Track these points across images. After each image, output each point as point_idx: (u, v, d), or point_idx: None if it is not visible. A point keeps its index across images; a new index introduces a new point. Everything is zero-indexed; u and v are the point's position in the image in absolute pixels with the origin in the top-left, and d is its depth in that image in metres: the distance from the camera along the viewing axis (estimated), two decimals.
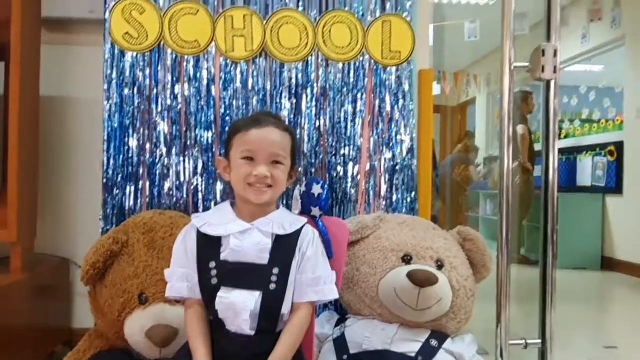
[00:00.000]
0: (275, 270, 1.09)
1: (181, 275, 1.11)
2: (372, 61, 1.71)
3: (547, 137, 1.56)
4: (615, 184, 4.77)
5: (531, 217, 4.71)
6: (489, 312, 1.50)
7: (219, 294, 1.07)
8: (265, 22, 1.66)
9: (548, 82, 1.52)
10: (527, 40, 1.37)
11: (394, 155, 1.71)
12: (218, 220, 1.13)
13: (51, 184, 2.07)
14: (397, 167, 1.71)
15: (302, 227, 1.15)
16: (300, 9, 1.68)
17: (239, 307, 1.05)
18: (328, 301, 1.27)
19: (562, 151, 5.34)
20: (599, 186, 5.00)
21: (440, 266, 1.41)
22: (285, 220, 1.14)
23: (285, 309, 1.10)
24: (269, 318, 1.08)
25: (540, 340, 1.49)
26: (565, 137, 5.71)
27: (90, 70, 1.91)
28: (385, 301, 1.38)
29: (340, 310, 1.53)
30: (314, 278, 1.12)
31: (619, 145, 4.74)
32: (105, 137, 1.61)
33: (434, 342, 1.37)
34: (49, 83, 1.97)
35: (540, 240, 1.54)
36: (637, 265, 4.35)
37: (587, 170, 5.23)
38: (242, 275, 1.08)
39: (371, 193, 1.69)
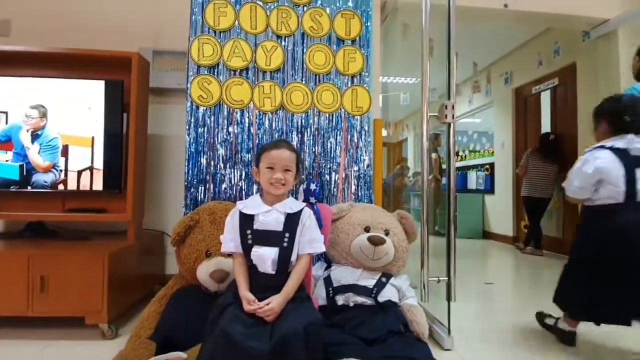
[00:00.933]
0: (287, 235, 1.07)
1: (230, 238, 1.09)
2: (346, 113, 1.69)
3: (449, 160, 1.54)
4: (490, 188, 4.78)
5: (441, 207, 4.71)
6: (416, 262, 1.49)
7: (253, 249, 1.05)
8: (283, 89, 1.65)
9: (449, 125, 1.50)
10: (435, 104, 1.37)
11: (359, 169, 1.69)
12: (252, 205, 1.11)
13: (154, 186, 2.06)
14: (361, 176, 1.69)
15: (302, 208, 1.13)
16: (303, 81, 1.67)
17: (265, 257, 1.04)
18: (319, 253, 1.24)
19: (458, 169, 5.36)
20: (480, 189, 5.01)
21: (387, 233, 1.39)
22: (293, 205, 1.12)
23: (293, 258, 1.07)
24: (283, 263, 1.06)
25: (447, 278, 1.47)
26: (461, 160, 5.72)
27: (177, 118, 1.91)
28: (354, 254, 1.37)
29: (327, 260, 1.51)
30: (310, 239, 1.10)
31: (492, 165, 4.76)
32: (186, 157, 1.59)
33: (383, 279, 1.35)
34: (153, 126, 1.96)
35: (446, 221, 1.51)
36: (502, 235, 4.35)
37: (473, 179, 5.25)
38: (266, 238, 1.06)
39: (346, 191, 1.67)
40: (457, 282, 1.48)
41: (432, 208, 4.47)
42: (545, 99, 3.87)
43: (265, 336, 0.91)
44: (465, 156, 5.83)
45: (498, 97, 4.59)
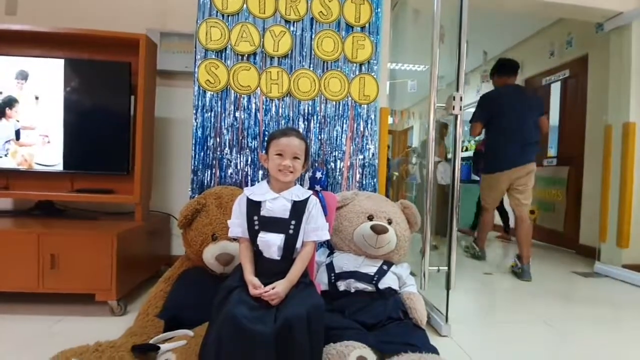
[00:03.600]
0: (293, 222, 1.08)
1: (237, 223, 1.10)
2: (353, 101, 1.69)
3: (454, 151, 1.53)
4: None
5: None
6: (417, 251, 1.50)
7: (259, 235, 1.06)
8: (290, 75, 1.65)
9: (456, 117, 1.49)
10: (443, 92, 1.35)
11: (364, 157, 1.69)
12: (259, 191, 1.12)
13: (160, 168, 2.08)
14: (366, 164, 1.70)
15: (309, 196, 1.14)
16: (311, 68, 1.66)
17: (271, 243, 1.05)
18: (323, 241, 1.26)
19: (463, 159, 5.28)
20: None
21: (390, 222, 1.41)
22: (299, 192, 1.13)
23: (298, 244, 1.09)
24: (288, 250, 1.07)
25: (447, 268, 1.48)
26: (465, 150, 5.67)
27: (185, 101, 1.90)
28: (357, 242, 1.39)
29: (330, 247, 1.53)
30: (315, 227, 1.11)
31: None
32: (193, 142, 1.60)
33: (385, 267, 1.38)
34: (160, 109, 1.96)
35: (449, 210, 1.49)
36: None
37: None
38: (273, 224, 1.08)
39: (350, 179, 1.68)
40: (457, 272, 1.49)
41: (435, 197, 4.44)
42: (555, 91, 3.81)
43: (270, 320, 0.93)
44: (471, 147, 5.78)
45: None
